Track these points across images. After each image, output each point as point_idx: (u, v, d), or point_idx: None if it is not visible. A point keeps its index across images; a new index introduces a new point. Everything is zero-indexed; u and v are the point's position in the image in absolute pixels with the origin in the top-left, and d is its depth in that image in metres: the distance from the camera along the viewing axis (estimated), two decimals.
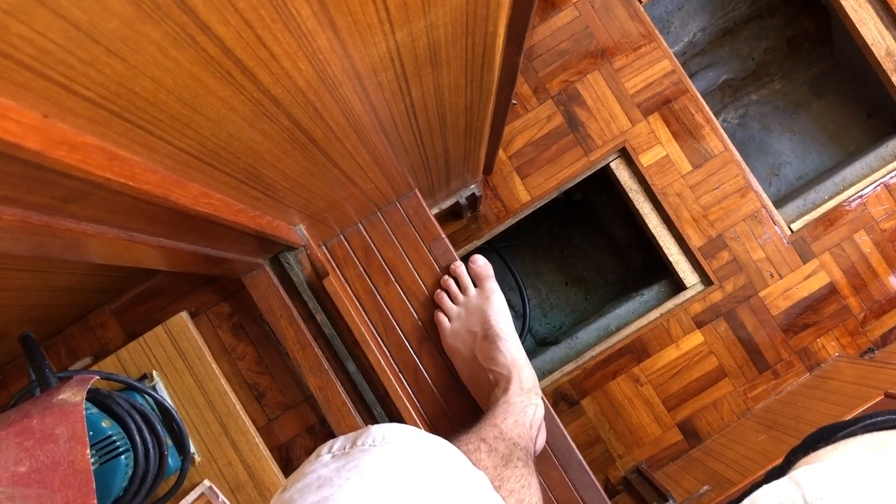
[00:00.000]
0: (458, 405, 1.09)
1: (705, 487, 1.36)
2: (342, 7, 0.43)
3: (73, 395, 0.68)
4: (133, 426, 0.77)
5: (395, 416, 0.93)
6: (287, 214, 0.83)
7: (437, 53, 0.60)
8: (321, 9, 0.41)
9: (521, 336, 1.74)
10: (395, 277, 1.10)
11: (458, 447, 0.81)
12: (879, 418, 0.64)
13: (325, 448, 0.59)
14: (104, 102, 0.38)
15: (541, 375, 1.64)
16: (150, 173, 0.47)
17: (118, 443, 0.75)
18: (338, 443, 0.59)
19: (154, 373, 0.91)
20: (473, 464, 0.78)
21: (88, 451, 0.67)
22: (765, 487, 0.57)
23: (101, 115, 0.39)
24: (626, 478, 1.60)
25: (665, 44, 1.59)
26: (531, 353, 1.73)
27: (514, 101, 1.02)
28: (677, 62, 1.59)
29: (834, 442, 0.64)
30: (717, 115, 1.91)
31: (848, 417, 1.28)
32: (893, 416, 0.63)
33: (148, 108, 0.41)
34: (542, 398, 1.05)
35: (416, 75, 0.62)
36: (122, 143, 0.43)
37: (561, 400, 1.61)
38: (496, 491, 0.74)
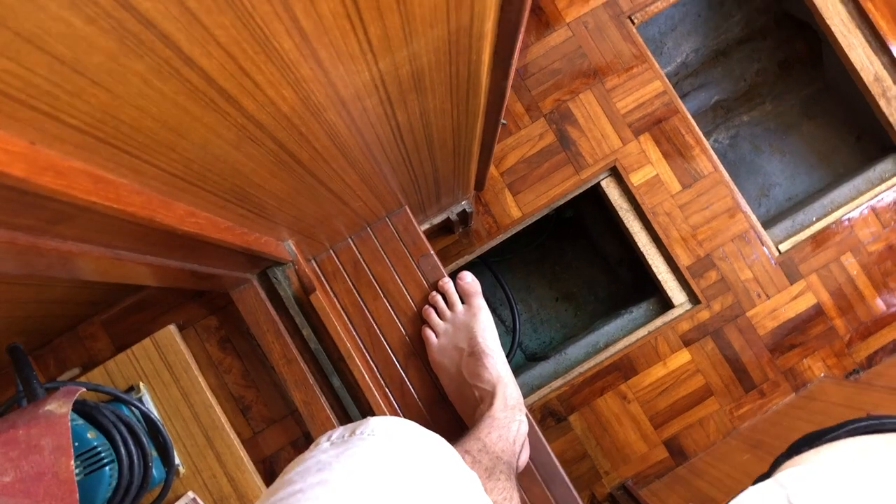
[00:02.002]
0: (444, 420, 1.10)
1: None
2: (324, 39, 0.44)
3: (59, 407, 0.69)
4: (118, 438, 0.78)
5: None
6: (275, 231, 0.85)
7: (422, 80, 0.61)
8: (303, 41, 0.43)
9: (510, 351, 1.75)
10: (383, 292, 1.11)
11: None
12: (862, 423, 0.65)
13: (324, 437, 0.61)
14: (90, 130, 0.39)
15: (529, 390, 1.65)
16: (136, 195, 0.48)
17: (103, 454, 0.76)
18: (337, 432, 0.61)
19: (141, 384, 0.92)
20: None
21: (73, 462, 0.68)
22: (750, 489, 0.58)
23: (88, 142, 0.40)
24: (611, 494, 1.61)
25: (657, 65, 1.61)
26: (520, 368, 1.74)
27: (503, 122, 1.04)
28: (668, 83, 1.61)
29: (818, 446, 0.66)
30: (708, 135, 1.93)
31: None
32: (875, 421, 0.65)
33: (133, 134, 0.43)
34: (527, 415, 1.06)
35: (401, 101, 0.63)
36: (109, 167, 0.45)
37: (548, 415, 1.62)
38: None
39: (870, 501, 0.52)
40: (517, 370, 1.75)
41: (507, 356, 1.75)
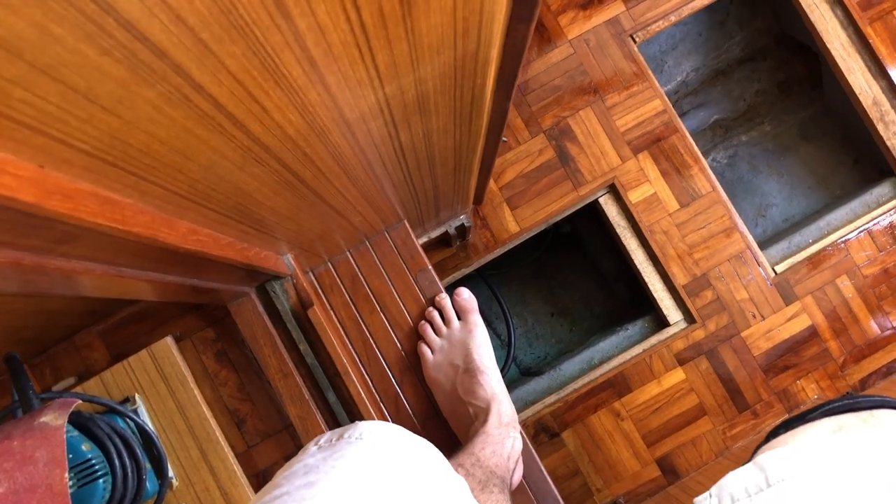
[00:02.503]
0: (438, 437, 1.10)
1: None
2: (333, 67, 0.45)
3: (54, 419, 0.69)
4: (113, 450, 0.78)
5: None
6: (275, 245, 0.85)
7: (426, 103, 0.61)
8: (311, 68, 0.43)
9: (505, 365, 1.75)
10: (380, 307, 1.11)
11: None
12: (836, 403, 0.66)
13: (312, 442, 0.61)
14: (99, 154, 0.39)
15: (523, 406, 1.65)
16: (141, 215, 0.49)
17: (97, 466, 0.76)
18: (325, 436, 0.61)
19: (137, 396, 0.92)
20: None
21: (67, 474, 0.68)
22: (730, 473, 0.59)
23: (96, 165, 0.40)
24: None
25: (657, 83, 1.62)
26: (514, 383, 1.74)
27: (504, 139, 1.04)
28: (668, 102, 1.62)
29: (795, 428, 0.66)
30: (706, 154, 1.94)
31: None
32: (849, 401, 0.65)
33: (141, 157, 0.43)
34: (521, 433, 1.07)
35: (405, 123, 0.64)
36: (115, 188, 0.45)
37: (542, 431, 1.62)
38: None
39: (844, 475, 0.53)
40: (511, 384, 1.75)
41: (502, 370, 1.75)
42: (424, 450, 0.63)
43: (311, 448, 0.60)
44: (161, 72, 0.35)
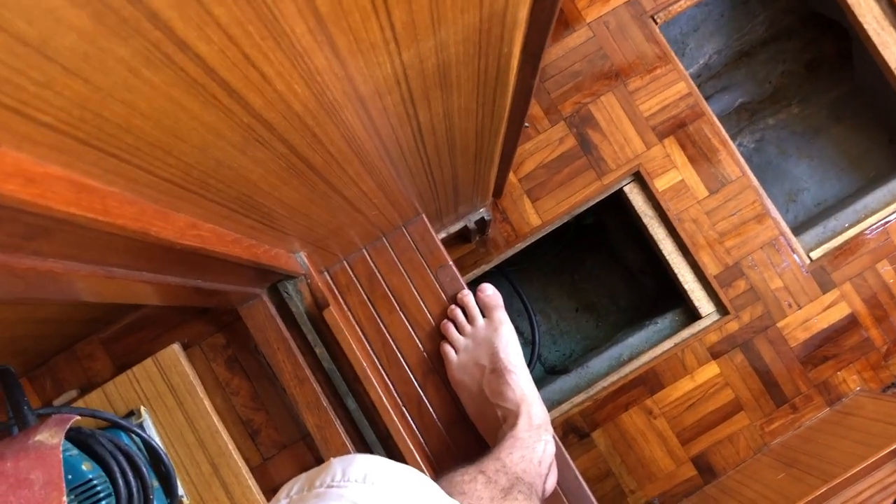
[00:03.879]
0: (465, 441, 1.04)
1: None
2: (342, 24, 0.38)
3: (50, 437, 0.63)
4: (116, 469, 0.72)
5: (397, 458, 0.88)
6: (286, 242, 0.79)
7: (448, 75, 0.55)
8: (318, 26, 0.37)
9: (530, 364, 1.68)
10: (399, 306, 1.05)
11: (454, 478, 0.76)
12: None
13: (282, 493, 0.54)
14: (67, 128, 0.33)
15: (550, 405, 1.58)
16: (129, 205, 0.42)
17: (99, 487, 0.70)
18: (297, 484, 0.54)
19: (142, 409, 0.86)
20: (468, 493, 0.72)
21: (65, 497, 0.62)
22: None
23: (66, 143, 0.34)
24: None
25: (681, 66, 1.55)
26: (540, 382, 1.67)
27: (526, 124, 0.98)
28: (693, 84, 1.54)
29: None
30: (733, 138, 1.87)
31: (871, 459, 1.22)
32: None
33: (121, 134, 0.37)
34: (554, 436, 1.00)
35: (425, 98, 0.57)
36: (95, 173, 0.39)
37: (571, 432, 1.55)
38: None
39: None
40: (537, 384, 1.68)
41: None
42: (410, 483, 0.56)
43: (282, 502, 0.53)
44: (134, 21, 0.29)
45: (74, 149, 0.35)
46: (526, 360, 1.69)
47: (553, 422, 1.55)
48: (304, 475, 0.56)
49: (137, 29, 0.29)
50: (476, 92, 0.63)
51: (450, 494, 0.71)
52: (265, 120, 0.44)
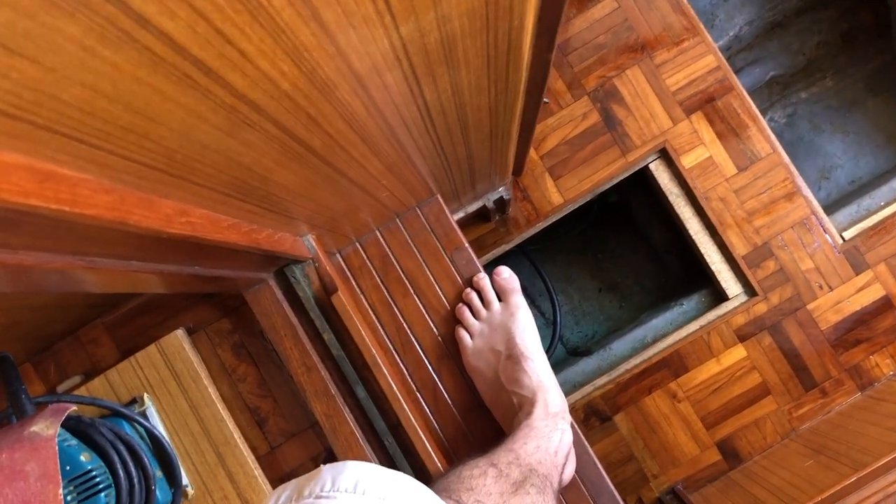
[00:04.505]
0: (480, 429, 1.01)
1: None
2: None
3: (45, 428, 0.61)
4: (116, 459, 0.70)
5: (408, 448, 0.85)
6: (292, 225, 0.76)
7: (453, 50, 0.51)
8: None
9: (551, 345, 1.65)
10: (414, 289, 1.02)
11: (462, 472, 0.73)
12: None
13: (271, 499, 0.51)
14: (20, 113, 0.30)
15: (571, 388, 1.55)
16: (103, 193, 0.40)
17: (98, 478, 0.68)
18: (286, 492, 0.51)
19: (145, 396, 0.84)
20: (476, 489, 0.70)
21: (61, 490, 0.60)
22: None
23: (21, 129, 0.31)
24: (660, 499, 1.51)
25: (710, 38, 1.49)
26: (561, 364, 1.64)
27: (546, 100, 0.94)
28: (722, 57, 1.49)
29: None
30: (763, 113, 1.80)
31: None
32: None
33: (86, 119, 0.34)
34: (572, 424, 0.97)
35: (429, 75, 0.54)
36: (62, 160, 0.36)
37: (592, 415, 1.52)
38: None
39: None
40: (558, 365, 1.65)
41: (547, 350, 1.65)
42: (402, 491, 0.53)
43: None
44: None
45: (32, 134, 0.32)
46: (547, 342, 1.66)
47: (574, 405, 1.52)
48: (293, 482, 0.53)
49: (85, 3, 0.26)
50: (486, 68, 0.59)
51: (457, 490, 0.69)
52: (251, 101, 0.41)
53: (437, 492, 0.69)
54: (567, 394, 1.53)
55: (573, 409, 1.52)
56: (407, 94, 0.55)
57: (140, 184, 0.44)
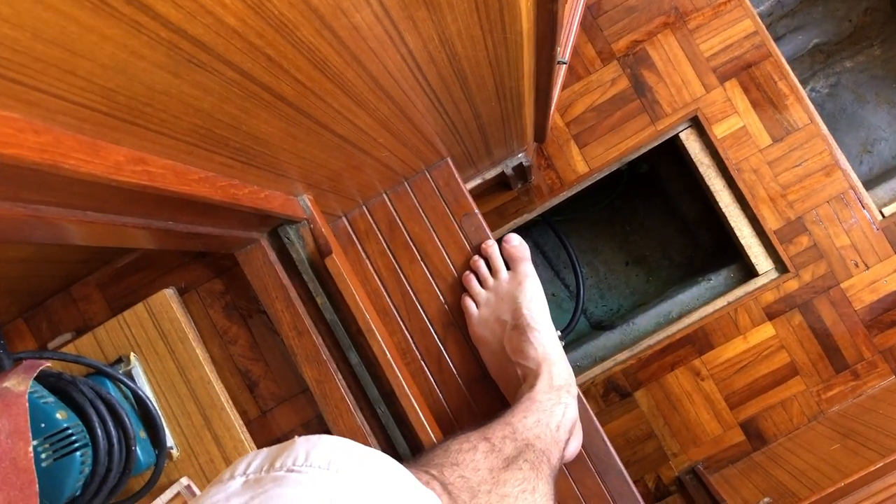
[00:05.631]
0: (486, 400, 0.98)
1: (766, 499, 1.22)
2: None
3: (17, 384, 0.60)
4: (95, 418, 0.69)
5: (400, 416, 0.83)
6: (283, 183, 0.73)
7: None
8: None
9: (573, 318, 1.61)
10: (421, 256, 0.99)
11: (450, 446, 0.70)
12: None
13: (241, 466, 0.48)
14: None
15: (592, 362, 1.52)
16: (31, 133, 0.37)
17: (75, 437, 0.66)
18: (257, 460, 0.48)
19: (132, 355, 0.82)
20: (461, 464, 0.67)
21: (31, 447, 0.59)
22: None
23: None
24: (679, 478, 1.47)
25: (748, 2, 1.42)
26: (584, 338, 1.60)
27: (563, 60, 0.89)
28: (761, 23, 1.42)
29: None
30: (804, 83, 1.73)
31: None
32: None
33: None
34: (580, 396, 0.93)
35: (408, 18, 0.50)
36: None
37: (612, 390, 1.48)
38: (483, 495, 0.63)
39: None
40: (580, 339, 1.62)
41: (570, 323, 1.61)
42: (377, 471, 0.50)
43: (237, 479, 0.47)
44: None
45: None
46: (570, 315, 1.62)
47: (594, 379, 1.48)
48: (265, 451, 0.50)
49: None
50: (476, 14, 0.55)
51: (440, 465, 0.66)
52: (192, 37, 0.38)
53: (420, 465, 0.66)
54: (588, 368, 1.50)
55: (593, 384, 1.48)
56: (384, 39, 0.51)
57: (82, 126, 0.41)
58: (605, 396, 1.49)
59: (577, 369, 1.51)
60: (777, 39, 1.70)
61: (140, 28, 0.35)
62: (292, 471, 0.47)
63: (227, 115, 0.50)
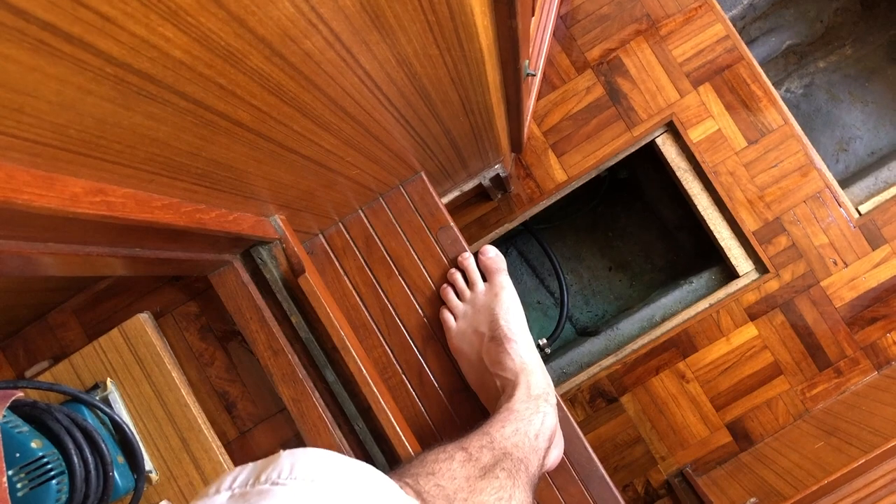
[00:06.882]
0: (467, 411, 0.98)
1: (752, 500, 1.23)
2: None
3: None
4: (71, 445, 0.69)
5: (378, 431, 0.83)
6: (252, 205, 0.73)
7: (380, 15, 0.48)
8: None
9: (558, 326, 1.62)
10: (398, 270, 0.99)
11: (427, 456, 0.71)
12: None
13: (227, 480, 0.49)
14: None
15: (578, 368, 1.52)
16: None
17: (51, 465, 0.67)
18: (242, 474, 0.49)
19: (108, 381, 0.82)
20: (437, 473, 0.67)
21: (5, 478, 0.59)
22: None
23: None
24: (668, 481, 1.48)
25: (718, 6, 1.44)
26: (569, 344, 1.61)
27: (531, 72, 0.89)
28: (731, 26, 1.43)
29: None
30: (779, 84, 1.74)
31: None
32: None
33: None
34: (559, 404, 0.94)
35: (360, 42, 0.51)
36: None
37: (598, 396, 1.49)
38: (459, 503, 0.64)
39: None
40: (565, 346, 1.62)
41: (555, 330, 1.62)
42: (360, 482, 0.51)
43: (223, 493, 0.48)
44: None
45: None
46: (555, 322, 1.63)
47: (580, 385, 1.49)
48: (250, 466, 0.51)
49: None
50: (430, 34, 0.56)
51: (415, 475, 0.66)
52: (139, 70, 0.39)
53: (397, 476, 0.67)
54: (573, 374, 1.50)
55: (579, 390, 1.49)
56: (339, 64, 0.52)
57: (36, 161, 0.42)
58: (591, 402, 1.49)
59: (563, 376, 1.51)
60: (750, 42, 1.72)
61: (83, 65, 0.36)
62: (277, 484, 0.47)
63: (184, 143, 0.50)
